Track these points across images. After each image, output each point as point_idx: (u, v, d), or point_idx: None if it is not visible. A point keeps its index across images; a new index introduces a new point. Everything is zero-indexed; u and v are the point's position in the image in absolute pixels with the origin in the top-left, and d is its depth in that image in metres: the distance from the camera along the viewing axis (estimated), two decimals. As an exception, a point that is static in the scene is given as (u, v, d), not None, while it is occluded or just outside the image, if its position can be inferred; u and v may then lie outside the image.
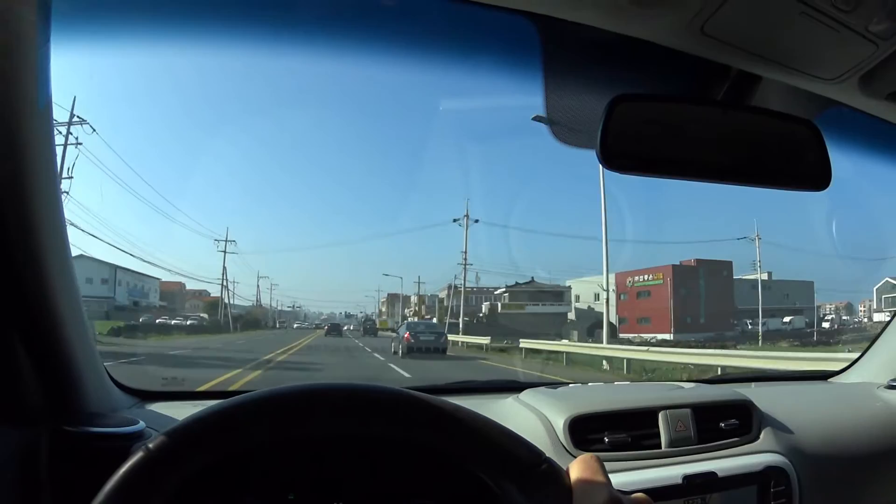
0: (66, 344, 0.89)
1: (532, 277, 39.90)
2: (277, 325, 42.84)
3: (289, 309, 52.05)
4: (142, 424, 0.94)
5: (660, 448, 1.14)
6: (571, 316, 36.99)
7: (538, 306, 38.23)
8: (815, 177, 0.97)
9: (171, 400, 1.25)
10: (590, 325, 31.20)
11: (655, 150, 0.91)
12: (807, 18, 0.80)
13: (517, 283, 39.54)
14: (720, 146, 0.94)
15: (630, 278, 38.68)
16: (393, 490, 0.82)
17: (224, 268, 35.86)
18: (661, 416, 1.16)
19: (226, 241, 34.62)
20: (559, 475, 0.61)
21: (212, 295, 39.94)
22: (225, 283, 35.33)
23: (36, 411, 0.87)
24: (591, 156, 0.89)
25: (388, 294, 49.36)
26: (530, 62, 0.96)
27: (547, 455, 0.62)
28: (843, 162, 1.13)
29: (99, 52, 0.94)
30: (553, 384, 1.37)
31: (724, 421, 1.21)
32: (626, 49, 0.88)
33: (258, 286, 45.19)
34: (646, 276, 38.43)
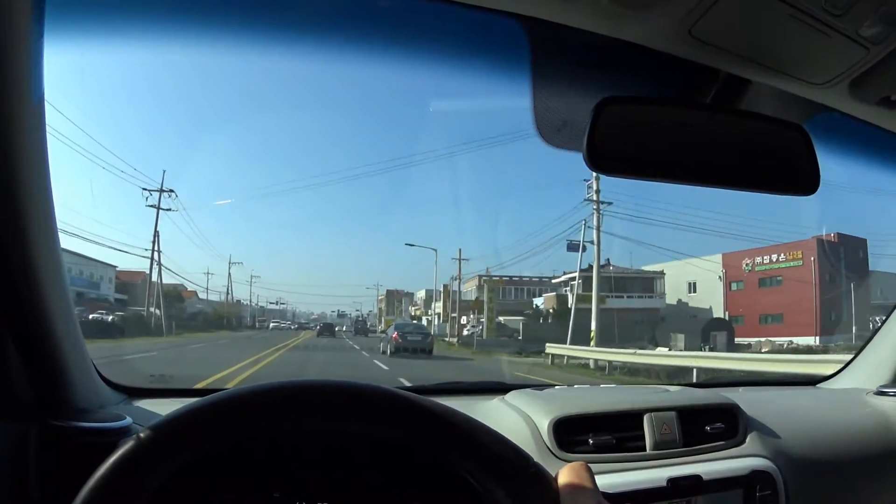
0: (56, 339, 0.90)
1: (608, 259, 28.87)
2: (257, 325, 37.45)
3: (274, 307, 46.91)
4: (128, 420, 0.94)
5: (645, 451, 1.14)
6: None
7: (623, 299, 28.17)
8: (804, 181, 0.97)
9: (159, 397, 1.26)
10: (704, 327, 22.55)
11: (643, 152, 0.90)
12: (797, 22, 0.79)
13: (591, 267, 28.58)
14: (708, 149, 0.93)
15: (747, 260, 27.28)
16: (378, 488, 0.82)
17: (155, 233, 23.26)
18: (646, 418, 1.16)
19: (160, 191, 22.65)
20: (547, 480, 0.60)
21: (187, 289, 33.89)
22: (156, 258, 23.39)
23: (24, 406, 0.87)
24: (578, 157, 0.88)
25: (388, 291, 44.97)
26: (519, 64, 0.95)
27: (534, 458, 0.62)
28: (832, 166, 1.13)
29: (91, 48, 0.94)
30: (539, 385, 1.37)
31: (710, 424, 1.21)
32: (615, 52, 0.88)
33: (229, 274, 37.64)
34: (774, 256, 27.10)
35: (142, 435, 0.57)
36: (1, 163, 0.75)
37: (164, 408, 1.13)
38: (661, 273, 29.47)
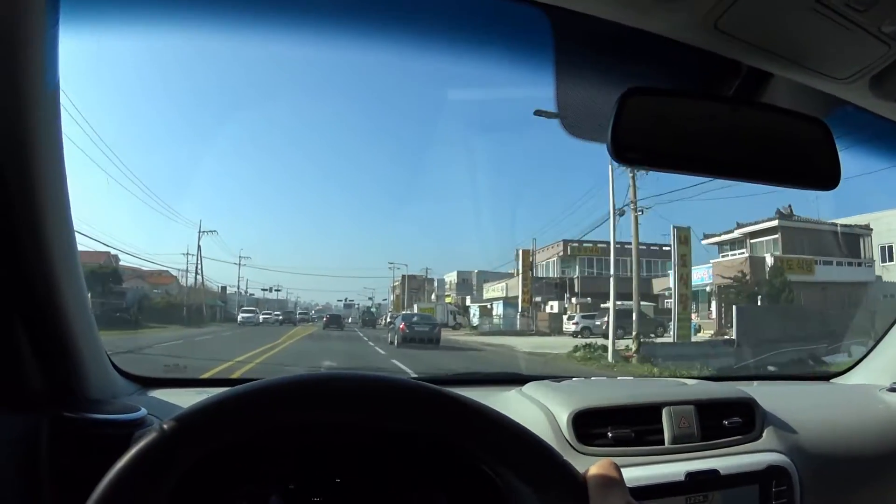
0: (69, 330, 0.90)
1: (789, 206, 19.75)
2: (240, 319, 26.56)
3: (269, 295, 36.37)
4: (143, 411, 0.94)
5: (663, 444, 1.14)
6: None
7: (832, 267, 19.01)
8: (824, 176, 0.97)
9: (173, 387, 1.26)
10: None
11: (666, 144, 0.91)
12: (820, 17, 0.80)
13: (781, 213, 19.29)
14: (730, 142, 0.93)
15: None
16: (396, 481, 0.82)
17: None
18: (664, 412, 1.16)
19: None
20: (575, 478, 0.60)
21: (170, 275, 26.91)
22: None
23: (38, 397, 0.87)
24: (600, 148, 0.88)
25: (404, 276, 37.41)
26: (542, 54, 0.96)
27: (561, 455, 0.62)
28: (853, 162, 1.13)
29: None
30: (557, 377, 1.37)
31: (728, 419, 1.21)
32: (639, 43, 0.88)
33: (199, 247, 27.09)
34: None
35: (165, 426, 0.57)
36: (17, 152, 0.76)
37: (178, 398, 1.13)
38: (867, 228, 18.88)
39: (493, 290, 30.61)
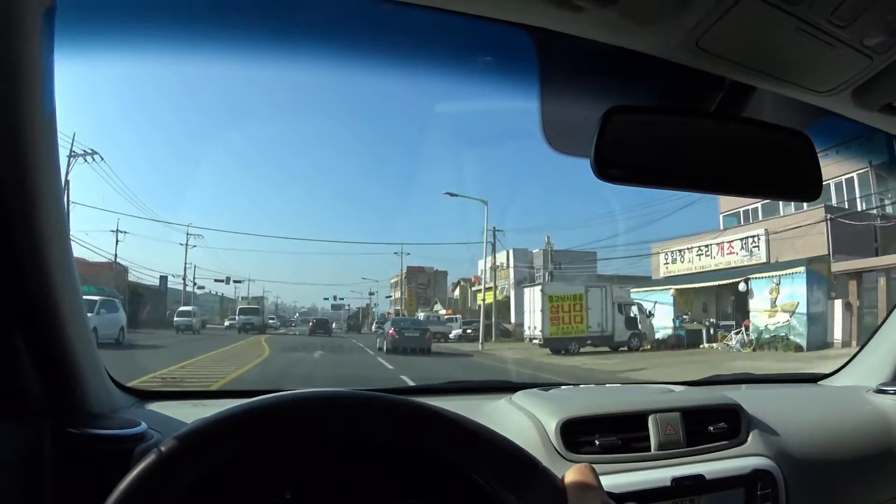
0: (68, 344, 0.91)
1: None
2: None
3: (241, 292, 28.31)
4: (143, 426, 0.95)
5: (649, 451, 1.16)
6: None
7: None
8: (807, 188, 0.98)
9: (170, 399, 1.27)
10: None
11: (649, 161, 0.92)
12: (801, 33, 0.81)
13: None
14: (713, 157, 0.94)
15: None
16: (388, 492, 0.84)
17: None
18: (650, 419, 1.18)
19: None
20: (554, 482, 0.63)
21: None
22: None
23: (40, 413, 0.88)
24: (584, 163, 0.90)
25: (409, 268, 31.22)
26: (527, 73, 0.97)
27: (539, 459, 0.64)
28: (834, 170, 1.14)
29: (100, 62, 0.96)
30: (545, 386, 1.39)
31: (713, 424, 1.23)
32: (621, 61, 0.89)
33: (66, 181, 13.14)
34: None
35: (163, 448, 0.59)
36: (15, 174, 0.77)
37: (177, 410, 1.14)
38: None
39: (702, 258, 16.47)
